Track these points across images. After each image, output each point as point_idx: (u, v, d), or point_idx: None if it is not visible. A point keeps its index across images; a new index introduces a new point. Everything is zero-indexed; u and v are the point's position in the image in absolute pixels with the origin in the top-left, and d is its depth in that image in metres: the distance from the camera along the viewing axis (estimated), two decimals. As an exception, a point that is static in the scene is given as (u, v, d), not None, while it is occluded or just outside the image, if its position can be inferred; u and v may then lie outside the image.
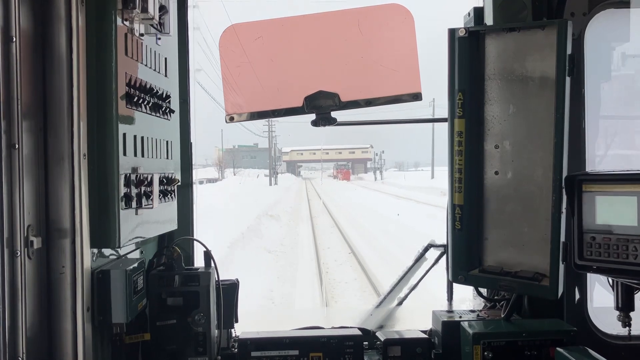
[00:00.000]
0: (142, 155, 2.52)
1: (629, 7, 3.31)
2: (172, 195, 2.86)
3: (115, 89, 2.27)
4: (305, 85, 3.30)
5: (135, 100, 2.42)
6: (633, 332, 2.78)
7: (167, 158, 2.88)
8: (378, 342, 3.15)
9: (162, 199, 2.71)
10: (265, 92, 3.38)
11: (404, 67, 3.28)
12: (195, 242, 3.31)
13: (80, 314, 2.20)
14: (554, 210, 2.73)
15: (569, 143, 2.76)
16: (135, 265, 2.53)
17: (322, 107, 3.28)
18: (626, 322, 2.73)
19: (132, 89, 2.39)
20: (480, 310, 3.31)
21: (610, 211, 2.58)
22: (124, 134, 2.33)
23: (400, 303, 3.69)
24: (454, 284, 3.48)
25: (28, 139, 2.05)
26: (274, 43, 3.35)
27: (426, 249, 3.64)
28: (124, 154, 2.33)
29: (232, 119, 3.40)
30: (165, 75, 2.86)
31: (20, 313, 2.00)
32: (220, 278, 3.04)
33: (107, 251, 2.55)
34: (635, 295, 2.71)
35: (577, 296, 3.28)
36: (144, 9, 2.38)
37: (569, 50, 2.70)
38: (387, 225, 23.93)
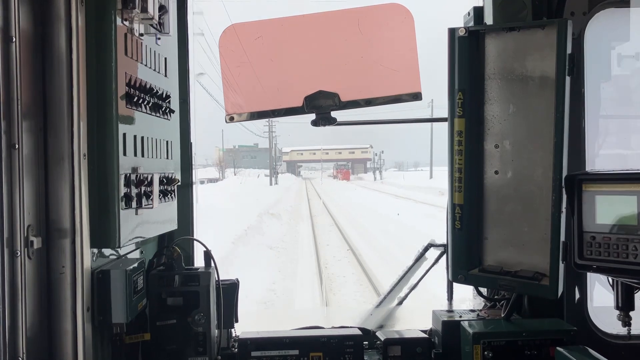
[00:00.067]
0: (142, 155, 2.52)
1: (629, 7, 3.31)
2: (172, 195, 2.86)
3: (115, 89, 2.27)
4: (305, 85, 3.29)
5: (135, 100, 2.42)
6: (633, 332, 2.78)
7: (167, 158, 2.88)
8: (378, 342, 3.15)
9: (162, 199, 2.71)
10: (265, 92, 3.38)
11: (404, 67, 3.28)
12: (195, 242, 3.32)
13: (80, 314, 2.20)
14: (553, 209, 2.73)
15: (569, 142, 2.76)
16: (135, 265, 2.53)
17: (322, 107, 3.28)
18: (626, 321, 2.73)
19: (132, 89, 2.39)
20: (480, 310, 3.31)
21: (610, 211, 2.58)
22: (124, 134, 2.33)
23: (400, 303, 3.69)
24: (454, 284, 3.49)
25: (28, 139, 2.05)
26: (274, 43, 3.35)
27: (426, 249, 3.65)
28: (124, 154, 2.33)
29: (232, 119, 3.40)
30: (165, 75, 2.86)
31: (20, 313, 2.00)
32: (222, 276, 3.04)
33: (107, 251, 2.55)
34: (635, 295, 2.71)
35: (577, 296, 3.28)
36: (144, 9, 2.38)
37: (569, 50, 2.70)
38: (386, 225, 23.98)
